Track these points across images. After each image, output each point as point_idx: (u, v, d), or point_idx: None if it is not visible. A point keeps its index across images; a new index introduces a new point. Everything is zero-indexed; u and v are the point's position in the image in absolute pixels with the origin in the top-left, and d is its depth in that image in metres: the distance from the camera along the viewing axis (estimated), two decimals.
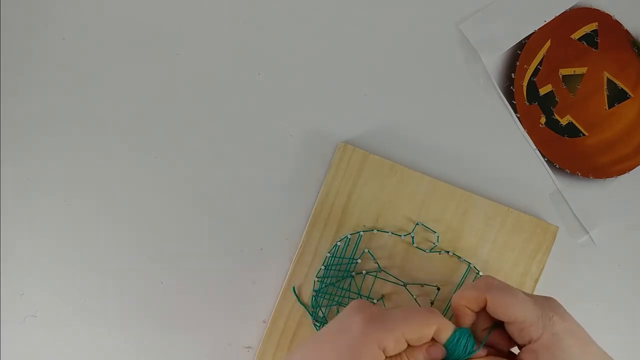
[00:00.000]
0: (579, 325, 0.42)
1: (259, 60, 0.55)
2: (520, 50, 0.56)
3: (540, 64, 0.56)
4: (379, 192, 0.54)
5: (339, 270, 0.53)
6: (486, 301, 0.42)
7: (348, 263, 0.53)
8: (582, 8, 0.56)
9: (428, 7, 0.56)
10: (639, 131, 0.56)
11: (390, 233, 0.53)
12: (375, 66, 0.56)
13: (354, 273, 0.53)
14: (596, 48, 0.56)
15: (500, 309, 0.41)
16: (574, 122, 0.56)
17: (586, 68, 0.56)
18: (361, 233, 0.53)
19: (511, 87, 0.56)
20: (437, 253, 0.53)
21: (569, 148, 0.56)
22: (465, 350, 0.42)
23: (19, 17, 0.55)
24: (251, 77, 0.55)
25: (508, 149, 0.56)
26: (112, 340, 0.54)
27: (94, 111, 0.55)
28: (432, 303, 0.53)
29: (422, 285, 0.53)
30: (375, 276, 0.53)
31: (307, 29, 0.56)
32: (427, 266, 0.53)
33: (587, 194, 0.56)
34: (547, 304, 0.42)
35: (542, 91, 0.56)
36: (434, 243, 0.53)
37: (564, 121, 0.56)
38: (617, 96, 0.56)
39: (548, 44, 0.56)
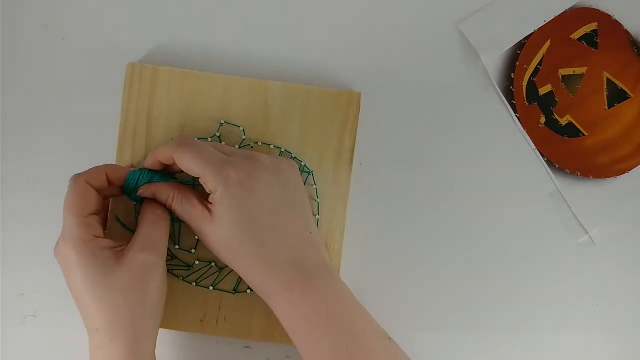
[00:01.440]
0: (262, 183, 0.47)
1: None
2: (520, 50, 0.56)
3: (540, 64, 0.56)
4: (178, 102, 0.53)
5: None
6: (173, 159, 0.47)
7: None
8: (582, 8, 0.56)
9: (428, 7, 0.56)
10: (638, 131, 0.56)
11: (196, 138, 0.52)
12: (374, 66, 0.56)
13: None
14: (596, 48, 0.56)
15: (183, 164, 0.46)
16: (574, 122, 0.56)
17: (586, 68, 0.56)
18: None
19: (511, 87, 0.56)
20: (248, 146, 0.53)
21: (569, 148, 0.56)
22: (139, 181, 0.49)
23: (19, 17, 0.55)
24: None
25: (508, 149, 0.56)
26: None
27: (94, 111, 0.55)
28: None
29: None
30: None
31: (305, 26, 0.56)
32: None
33: (587, 194, 0.56)
34: (238, 163, 0.46)
35: (542, 91, 0.56)
36: (242, 138, 0.53)
37: (563, 121, 0.56)
38: (617, 96, 0.56)
39: (548, 44, 0.56)
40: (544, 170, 0.56)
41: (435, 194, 0.55)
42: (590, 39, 0.56)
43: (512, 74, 0.56)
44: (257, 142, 0.53)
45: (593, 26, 0.56)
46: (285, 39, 0.56)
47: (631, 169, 0.56)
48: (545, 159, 0.56)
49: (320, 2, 0.56)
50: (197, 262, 0.53)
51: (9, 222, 0.55)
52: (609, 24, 0.56)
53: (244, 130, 0.53)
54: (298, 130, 0.53)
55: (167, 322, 0.52)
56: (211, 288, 0.52)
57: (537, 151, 0.56)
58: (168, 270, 0.51)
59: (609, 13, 0.56)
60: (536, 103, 0.56)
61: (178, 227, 0.53)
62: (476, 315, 0.55)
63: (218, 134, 0.53)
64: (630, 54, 0.56)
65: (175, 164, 0.47)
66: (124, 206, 0.52)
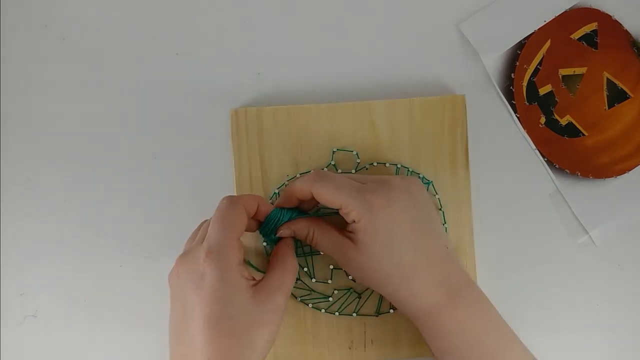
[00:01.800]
0: (405, 208, 0.47)
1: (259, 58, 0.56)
2: (520, 51, 0.56)
3: (540, 64, 0.56)
4: (287, 139, 0.53)
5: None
6: (311, 194, 0.47)
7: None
8: (582, 8, 0.56)
9: (428, 7, 0.56)
10: (638, 131, 0.56)
11: (312, 171, 0.53)
12: (374, 65, 0.56)
13: None
14: (596, 48, 0.56)
15: (322, 198, 0.46)
16: (574, 122, 0.56)
17: (586, 68, 0.56)
18: (286, 183, 0.53)
19: (511, 87, 0.56)
20: (364, 169, 0.53)
21: (569, 148, 0.56)
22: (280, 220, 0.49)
23: (19, 17, 0.55)
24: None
25: (508, 149, 0.56)
26: (112, 340, 0.54)
27: (93, 111, 0.55)
28: None
29: None
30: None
31: (309, 31, 0.56)
32: None
33: (587, 194, 0.56)
34: (374, 189, 0.46)
35: (542, 91, 0.56)
36: (356, 162, 0.53)
37: (563, 121, 0.56)
38: (616, 96, 0.56)
39: (548, 44, 0.56)
40: (544, 170, 0.56)
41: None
42: (590, 39, 0.56)
43: (512, 74, 0.56)
44: (372, 163, 0.53)
45: (593, 26, 0.56)
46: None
47: (631, 169, 0.56)
48: (545, 159, 0.56)
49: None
50: (335, 292, 0.53)
51: (9, 222, 0.55)
52: (608, 24, 0.56)
53: (357, 154, 0.53)
54: (408, 143, 0.54)
55: (316, 354, 0.53)
56: (354, 314, 0.53)
57: (537, 151, 0.56)
58: (310, 305, 0.53)
59: (608, 13, 0.56)
60: (536, 103, 0.56)
61: (311, 261, 0.53)
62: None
63: (333, 162, 0.53)
64: (630, 54, 0.56)
65: (309, 199, 0.47)
66: (253, 248, 0.53)
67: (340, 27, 0.56)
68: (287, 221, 0.49)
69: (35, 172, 0.55)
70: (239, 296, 0.42)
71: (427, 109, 0.54)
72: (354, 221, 0.46)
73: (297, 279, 0.53)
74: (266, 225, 0.49)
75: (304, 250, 0.53)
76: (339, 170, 0.53)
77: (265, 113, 0.53)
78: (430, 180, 0.53)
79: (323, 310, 0.53)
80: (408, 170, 0.53)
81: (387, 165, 0.53)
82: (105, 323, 0.54)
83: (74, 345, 0.55)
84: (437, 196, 0.53)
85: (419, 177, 0.53)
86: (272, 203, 0.52)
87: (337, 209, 0.46)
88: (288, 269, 0.46)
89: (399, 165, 0.53)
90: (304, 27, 0.56)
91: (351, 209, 0.45)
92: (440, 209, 0.53)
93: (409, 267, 0.46)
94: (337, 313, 0.53)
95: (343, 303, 0.53)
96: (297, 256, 0.52)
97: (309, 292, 0.53)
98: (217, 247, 0.42)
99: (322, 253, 0.53)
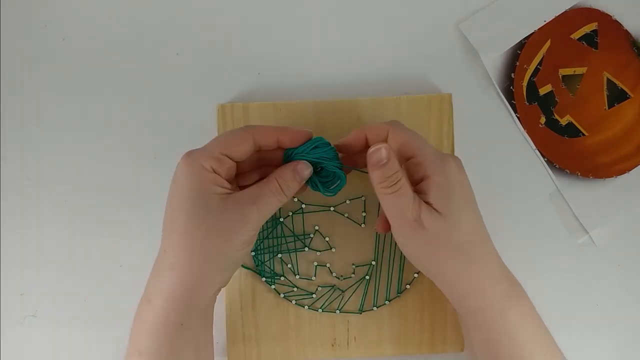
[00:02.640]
0: (469, 185, 0.45)
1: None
2: (520, 50, 0.56)
3: (540, 64, 0.56)
4: None
5: (266, 222, 0.52)
6: (387, 135, 0.44)
7: None
8: (582, 8, 0.56)
9: (428, 7, 0.56)
10: (638, 131, 0.56)
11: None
12: (375, 66, 0.56)
13: (281, 219, 0.53)
14: (596, 48, 0.56)
15: (399, 139, 0.44)
16: (574, 122, 0.56)
17: (586, 68, 0.56)
18: None
19: (511, 87, 0.56)
20: (349, 168, 0.53)
21: (569, 148, 0.56)
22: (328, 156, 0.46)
23: (19, 17, 0.55)
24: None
25: (508, 149, 0.56)
26: (112, 340, 0.54)
27: (93, 111, 0.55)
28: (363, 214, 0.54)
29: (347, 202, 0.53)
30: (302, 212, 0.53)
31: (306, 28, 0.56)
32: (346, 184, 0.51)
33: (587, 194, 0.56)
34: (447, 154, 0.45)
35: (542, 91, 0.56)
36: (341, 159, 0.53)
37: (563, 121, 0.56)
38: (617, 96, 0.56)
39: (548, 44, 0.56)
40: (544, 170, 0.56)
41: None
42: (590, 39, 0.56)
43: (512, 74, 0.56)
44: None
45: (593, 26, 0.56)
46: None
47: (631, 169, 0.56)
48: (545, 159, 0.56)
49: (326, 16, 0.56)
50: (319, 288, 0.53)
51: (9, 222, 0.55)
52: (609, 24, 0.56)
53: None
54: None
55: (299, 351, 0.53)
56: (338, 312, 0.53)
57: (537, 151, 0.56)
58: (293, 301, 0.53)
59: (608, 13, 0.56)
60: (536, 103, 0.56)
61: (295, 257, 0.53)
62: None
63: None
64: (630, 54, 0.56)
65: (380, 140, 0.44)
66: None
67: (340, 27, 0.56)
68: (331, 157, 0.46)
69: (35, 172, 0.55)
70: (203, 198, 0.42)
71: (413, 106, 0.54)
72: (425, 176, 0.43)
73: (281, 276, 0.53)
74: (298, 150, 0.46)
75: (288, 247, 0.53)
76: None
77: (252, 109, 0.54)
78: None
79: (306, 307, 0.53)
80: None
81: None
82: (105, 323, 0.54)
83: (74, 345, 0.55)
84: None
85: None
86: None
87: (409, 157, 0.44)
88: (270, 187, 0.44)
89: None
90: (315, 25, 0.56)
91: (426, 158, 0.43)
92: None
93: (474, 247, 0.43)
94: (320, 310, 0.53)
95: (327, 300, 0.53)
96: (281, 253, 0.53)
97: (292, 289, 0.53)
98: (201, 150, 0.44)
99: (306, 250, 0.53)
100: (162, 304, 0.43)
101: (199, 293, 0.43)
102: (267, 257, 0.54)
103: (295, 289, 0.53)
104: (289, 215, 0.54)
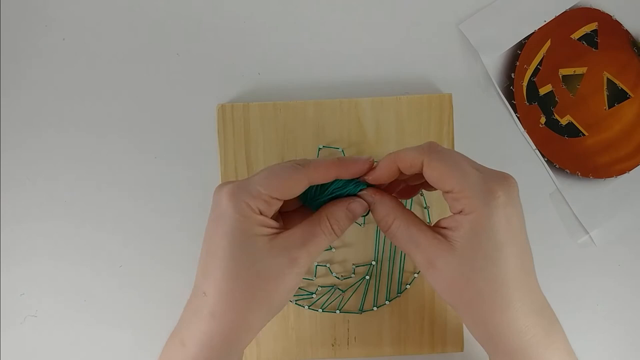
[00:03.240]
0: (520, 215, 0.39)
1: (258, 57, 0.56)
2: (520, 50, 0.56)
3: (540, 64, 0.56)
4: (273, 134, 0.54)
5: None
6: (422, 165, 0.39)
7: None
8: (582, 8, 0.56)
9: (428, 7, 0.56)
10: (638, 131, 0.56)
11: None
12: (375, 66, 0.56)
13: None
14: (596, 48, 0.56)
15: (434, 172, 0.38)
16: (574, 122, 0.56)
17: (586, 68, 0.56)
18: None
19: (511, 87, 0.56)
20: None
21: (569, 148, 0.56)
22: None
23: (19, 17, 0.55)
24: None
25: (508, 149, 0.56)
26: (112, 340, 0.54)
27: (93, 111, 0.55)
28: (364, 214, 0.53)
29: None
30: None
31: (306, 28, 0.56)
32: None
33: (587, 194, 0.56)
34: (497, 180, 0.38)
35: (542, 91, 0.56)
36: None
37: (564, 121, 0.56)
38: (617, 96, 0.56)
39: (548, 44, 0.56)
40: (544, 170, 0.56)
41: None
42: (590, 39, 0.56)
43: (512, 74, 0.56)
44: None
45: (593, 26, 0.56)
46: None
47: (631, 169, 0.56)
48: (546, 159, 0.56)
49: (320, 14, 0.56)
50: (319, 288, 0.53)
51: (9, 222, 0.55)
52: (609, 24, 0.56)
53: (342, 150, 0.53)
54: (394, 140, 0.54)
55: (299, 351, 0.53)
56: (338, 312, 0.53)
57: (537, 151, 0.56)
58: (293, 301, 0.53)
59: (608, 13, 0.56)
60: (536, 103, 0.56)
61: None
62: None
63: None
64: (630, 54, 0.56)
65: (413, 173, 0.41)
66: None
67: (340, 27, 0.56)
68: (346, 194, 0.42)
69: (35, 172, 0.55)
70: (249, 240, 0.39)
71: (413, 106, 0.54)
72: (462, 212, 0.38)
73: None
74: (319, 193, 0.43)
75: None
76: None
77: (252, 108, 0.54)
78: None
79: (307, 307, 0.53)
80: None
81: (374, 162, 0.53)
82: (105, 323, 0.55)
83: (74, 345, 0.55)
84: (421, 195, 0.54)
85: None
86: None
87: (447, 191, 0.39)
88: (320, 228, 0.41)
89: None
90: (316, 26, 0.56)
91: (465, 195, 0.37)
92: (425, 207, 0.53)
93: (512, 285, 0.37)
94: (320, 310, 0.53)
95: (327, 300, 0.53)
96: None
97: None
98: (251, 186, 0.40)
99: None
100: (197, 350, 0.40)
101: (238, 342, 0.40)
102: None
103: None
104: None
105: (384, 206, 0.41)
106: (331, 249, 0.54)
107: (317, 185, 0.43)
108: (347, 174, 0.41)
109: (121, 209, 0.55)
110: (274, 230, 0.40)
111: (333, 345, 0.53)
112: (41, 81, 0.55)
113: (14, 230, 0.55)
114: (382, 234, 0.54)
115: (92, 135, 0.55)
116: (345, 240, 0.54)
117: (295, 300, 0.53)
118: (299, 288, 0.53)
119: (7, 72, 0.55)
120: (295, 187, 0.40)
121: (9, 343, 0.54)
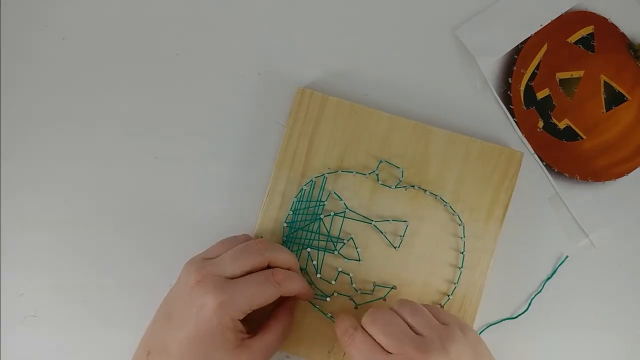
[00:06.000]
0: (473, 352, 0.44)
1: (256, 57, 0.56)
2: (517, 55, 0.56)
3: (537, 68, 0.56)
4: (341, 133, 0.53)
5: (306, 214, 0.53)
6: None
7: (315, 206, 0.53)
8: (578, 11, 0.56)
9: (423, 13, 0.56)
10: (636, 133, 0.56)
11: (354, 173, 0.53)
12: (374, 71, 0.56)
13: (322, 215, 0.53)
14: (593, 51, 0.56)
15: (376, 337, 0.44)
16: (572, 125, 0.56)
17: (583, 71, 0.56)
18: (326, 175, 0.53)
19: (508, 92, 0.56)
20: (403, 189, 0.53)
21: (567, 152, 0.56)
22: None
23: (19, 17, 0.56)
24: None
25: None
26: (112, 340, 0.55)
27: (93, 111, 0.56)
28: (401, 237, 0.53)
29: (389, 221, 0.53)
30: (343, 216, 0.53)
31: (306, 28, 0.56)
32: (394, 203, 0.53)
33: (586, 198, 0.56)
34: (430, 342, 0.43)
35: (540, 95, 0.56)
36: (399, 179, 0.53)
37: (561, 125, 0.56)
38: (614, 99, 0.56)
39: (545, 48, 0.56)
40: (543, 174, 0.56)
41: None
42: (586, 42, 0.56)
43: (510, 79, 0.56)
44: (413, 186, 0.53)
45: (589, 29, 0.56)
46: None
47: (630, 172, 0.56)
48: (544, 163, 0.56)
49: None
50: (335, 294, 0.53)
51: (9, 222, 0.55)
52: (605, 27, 0.56)
53: (402, 171, 0.53)
54: (455, 179, 0.54)
55: (294, 346, 0.53)
56: None
57: (535, 155, 0.56)
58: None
59: (604, 16, 0.56)
60: (534, 107, 0.56)
61: (322, 257, 0.53)
62: (477, 315, 0.55)
63: (376, 172, 0.53)
64: (626, 57, 0.56)
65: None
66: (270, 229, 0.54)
67: (335, 32, 0.56)
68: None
69: (35, 172, 0.55)
70: (224, 345, 0.44)
71: (483, 153, 0.54)
72: None
73: (303, 269, 0.53)
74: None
75: (319, 244, 0.53)
76: (379, 182, 0.53)
77: (330, 102, 0.54)
78: (463, 223, 0.53)
79: (317, 308, 0.53)
80: (444, 204, 0.53)
81: (427, 192, 0.53)
82: (105, 323, 0.55)
83: (74, 345, 0.55)
84: (462, 239, 0.53)
85: (454, 215, 0.53)
86: (297, 199, 0.53)
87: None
88: (279, 335, 0.48)
89: (438, 196, 0.53)
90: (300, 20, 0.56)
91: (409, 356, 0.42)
92: (462, 253, 0.53)
93: None
94: (329, 314, 0.53)
95: (339, 308, 0.53)
96: (310, 248, 0.53)
97: (310, 285, 0.52)
98: (229, 303, 0.44)
99: (335, 253, 0.53)
100: None
101: None
102: (295, 246, 0.53)
103: (312, 287, 0.53)
104: (329, 215, 0.53)
105: (343, 320, 0.48)
106: (359, 260, 0.53)
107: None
108: (307, 298, 0.50)
109: (121, 209, 0.55)
110: (244, 336, 0.46)
111: (329, 353, 0.53)
112: (41, 81, 0.56)
113: (14, 231, 0.55)
114: (411, 260, 0.53)
115: (92, 135, 0.55)
116: (374, 257, 0.54)
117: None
118: (315, 287, 0.53)
119: (7, 72, 0.56)
120: (271, 301, 0.46)
121: (9, 343, 0.55)
